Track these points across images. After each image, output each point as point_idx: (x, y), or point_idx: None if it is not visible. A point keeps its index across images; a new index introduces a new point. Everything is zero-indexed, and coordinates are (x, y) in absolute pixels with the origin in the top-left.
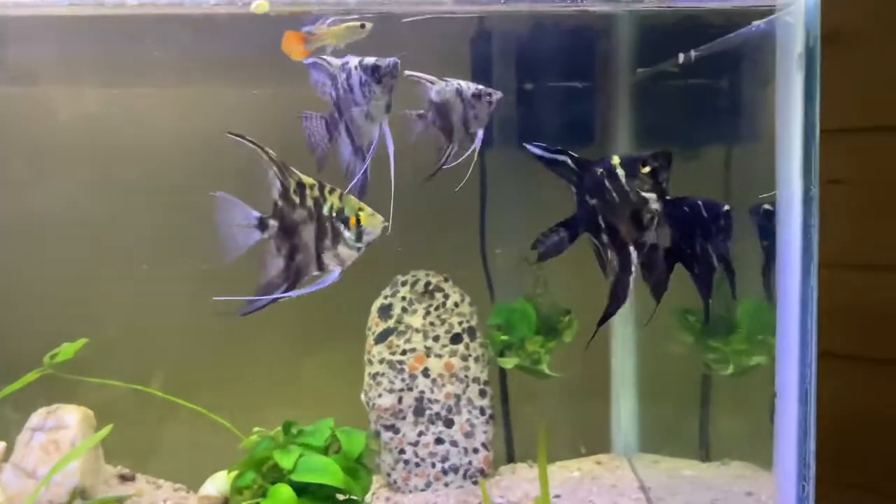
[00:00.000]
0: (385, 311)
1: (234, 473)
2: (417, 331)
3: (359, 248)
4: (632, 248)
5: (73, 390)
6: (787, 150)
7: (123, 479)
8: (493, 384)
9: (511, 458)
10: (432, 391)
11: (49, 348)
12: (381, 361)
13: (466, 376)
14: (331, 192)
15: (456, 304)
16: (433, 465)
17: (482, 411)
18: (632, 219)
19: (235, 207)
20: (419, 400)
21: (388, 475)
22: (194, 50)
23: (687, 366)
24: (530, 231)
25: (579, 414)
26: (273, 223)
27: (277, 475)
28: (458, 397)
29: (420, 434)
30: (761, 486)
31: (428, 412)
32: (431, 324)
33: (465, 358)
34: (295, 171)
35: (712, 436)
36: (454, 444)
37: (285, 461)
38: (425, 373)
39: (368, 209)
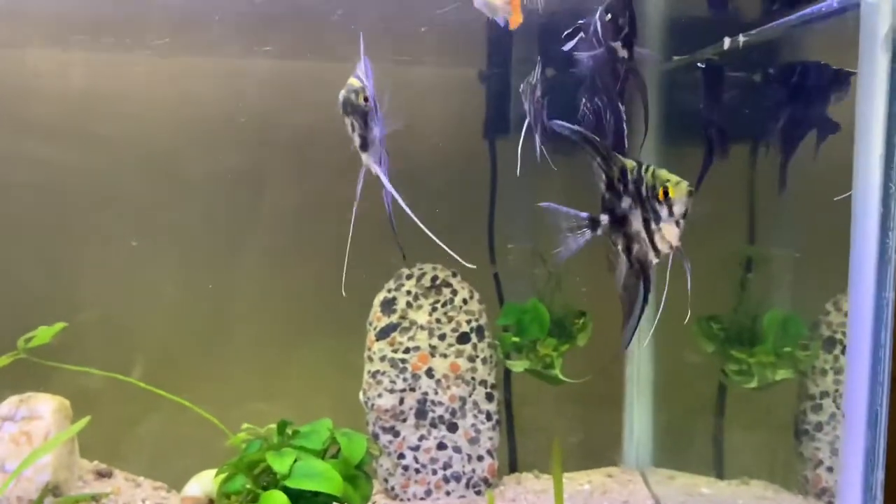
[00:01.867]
0: (388, 306)
1: (222, 476)
2: (422, 328)
3: (677, 223)
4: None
5: (48, 379)
6: (866, 140)
7: (100, 475)
8: (498, 388)
9: (514, 468)
10: (436, 393)
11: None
12: (383, 359)
13: (473, 378)
14: (646, 169)
15: (464, 301)
16: (434, 472)
17: (488, 416)
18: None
19: (561, 213)
20: (422, 402)
21: (386, 481)
22: None
23: (707, 377)
24: (544, 225)
25: (589, 423)
26: (604, 219)
27: (270, 480)
28: (463, 400)
29: (421, 438)
30: None
31: (430, 415)
32: (437, 321)
33: (472, 359)
34: (617, 156)
35: (731, 452)
36: (457, 450)
37: (280, 465)
38: (429, 373)
39: (674, 178)
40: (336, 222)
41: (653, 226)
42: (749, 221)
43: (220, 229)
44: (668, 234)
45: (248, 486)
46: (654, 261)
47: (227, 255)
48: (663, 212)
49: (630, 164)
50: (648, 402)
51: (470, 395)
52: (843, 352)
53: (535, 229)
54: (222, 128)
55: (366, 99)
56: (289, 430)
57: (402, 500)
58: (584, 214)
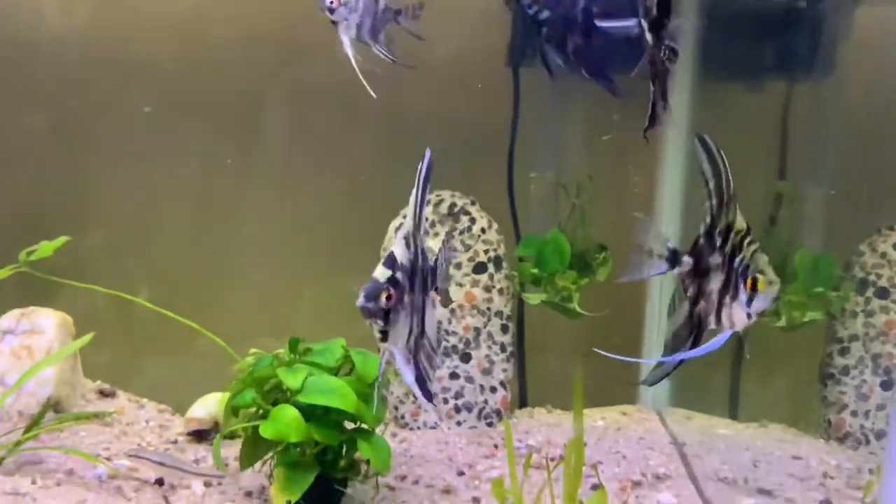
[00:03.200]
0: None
1: (230, 393)
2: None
3: (749, 315)
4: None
5: (54, 299)
6: None
7: (103, 395)
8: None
9: (523, 403)
10: (450, 322)
11: None
12: None
13: (489, 309)
14: (749, 243)
15: (483, 231)
16: (445, 402)
17: (503, 348)
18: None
19: (653, 232)
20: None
21: (396, 409)
22: None
23: None
24: (567, 153)
25: (605, 360)
26: (687, 260)
27: (280, 396)
28: (477, 331)
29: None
30: (808, 452)
31: (444, 344)
32: (454, 249)
33: (488, 289)
34: (734, 208)
35: (750, 395)
36: (470, 380)
37: (292, 380)
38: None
39: (770, 273)
40: (352, 149)
41: (727, 299)
42: (780, 155)
43: (232, 155)
44: (737, 318)
45: (257, 401)
46: (712, 327)
47: (237, 184)
48: (742, 296)
49: (740, 225)
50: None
51: (485, 326)
52: (875, 294)
53: (559, 158)
54: (237, 49)
55: None
56: (300, 348)
57: (412, 428)
58: (671, 245)
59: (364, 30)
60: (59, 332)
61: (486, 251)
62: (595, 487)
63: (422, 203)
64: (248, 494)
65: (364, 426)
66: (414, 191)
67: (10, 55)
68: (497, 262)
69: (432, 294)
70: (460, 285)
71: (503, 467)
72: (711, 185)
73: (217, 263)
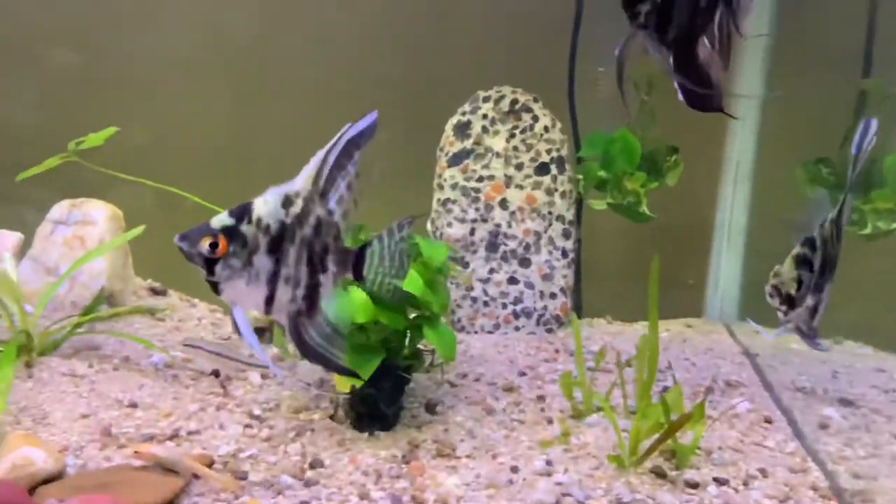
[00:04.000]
0: (462, 130)
1: None
2: (498, 155)
3: None
4: None
5: (104, 195)
6: None
7: (154, 292)
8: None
9: (578, 313)
10: (510, 225)
11: None
12: (454, 187)
13: (550, 213)
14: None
15: (546, 129)
16: (504, 307)
17: (564, 253)
18: None
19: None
20: (494, 234)
21: (453, 312)
22: None
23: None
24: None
25: (670, 270)
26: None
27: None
28: (538, 235)
29: (491, 272)
30: (891, 366)
31: (502, 248)
32: (515, 149)
33: (550, 192)
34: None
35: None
36: (529, 285)
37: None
38: (503, 204)
39: None
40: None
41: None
42: (865, 52)
43: (280, 49)
44: None
45: None
46: None
47: (284, 77)
48: None
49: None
50: (739, 253)
51: (545, 231)
52: None
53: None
54: None
55: None
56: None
57: (468, 332)
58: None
59: None
60: (111, 225)
61: (549, 151)
62: (666, 390)
63: (332, 165)
64: (308, 385)
65: (428, 314)
66: (324, 149)
67: None
68: (560, 163)
69: (333, 271)
70: (520, 187)
71: (566, 370)
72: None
73: (266, 160)
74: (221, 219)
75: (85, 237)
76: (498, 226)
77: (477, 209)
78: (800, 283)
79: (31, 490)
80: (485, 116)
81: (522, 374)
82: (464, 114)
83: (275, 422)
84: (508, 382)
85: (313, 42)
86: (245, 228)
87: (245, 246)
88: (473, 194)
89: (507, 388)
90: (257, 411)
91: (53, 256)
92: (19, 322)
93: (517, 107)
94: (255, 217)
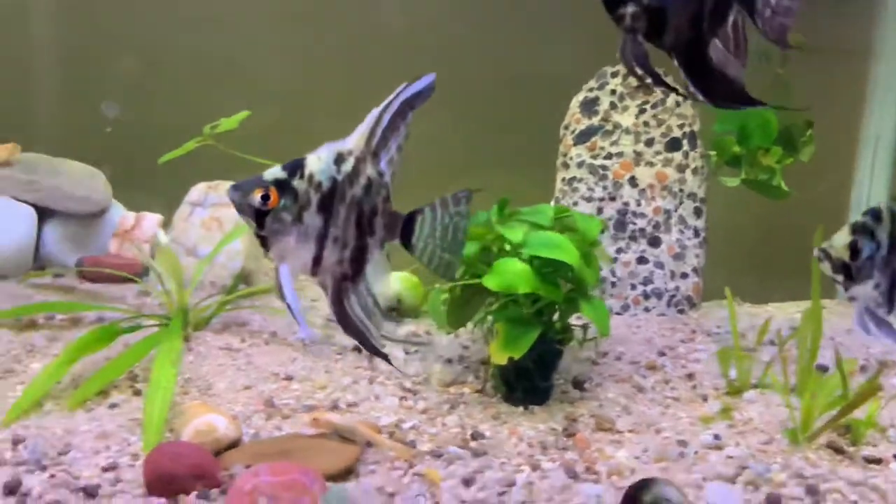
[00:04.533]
0: (589, 107)
1: None
2: (627, 132)
3: None
4: None
5: (235, 175)
6: None
7: None
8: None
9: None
10: (639, 204)
11: None
12: (581, 165)
13: (681, 190)
14: None
15: (677, 104)
16: (633, 287)
17: (696, 232)
18: None
19: None
20: (622, 213)
21: None
22: None
23: None
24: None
25: (803, 251)
26: None
27: (491, 256)
28: (668, 213)
29: (619, 251)
30: None
31: (631, 227)
32: (645, 124)
33: (681, 168)
34: None
35: None
36: (660, 265)
37: (512, 234)
38: (632, 182)
39: None
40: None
41: None
42: None
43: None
44: None
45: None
46: None
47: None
48: None
49: None
50: None
51: (676, 209)
52: None
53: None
54: None
55: None
56: (506, 211)
57: None
58: None
59: None
60: None
61: (681, 126)
62: (821, 368)
63: (385, 125)
64: (448, 361)
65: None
66: (379, 108)
67: None
68: (692, 138)
69: (380, 235)
70: (651, 164)
71: (706, 350)
72: None
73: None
74: (274, 172)
75: (221, 218)
76: (626, 204)
77: (605, 187)
78: (854, 251)
79: (216, 455)
80: (613, 92)
81: (662, 353)
82: (591, 90)
83: (427, 394)
84: (651, 361)
85: (423, 27)
86: (297, 183)
87: (296, 200)
88: (601, 172)
89: (650, 367)
90: (408, 384)
91: (192, 237)
92: (176, 298)
93: (647, 81)
94: (307, 172)
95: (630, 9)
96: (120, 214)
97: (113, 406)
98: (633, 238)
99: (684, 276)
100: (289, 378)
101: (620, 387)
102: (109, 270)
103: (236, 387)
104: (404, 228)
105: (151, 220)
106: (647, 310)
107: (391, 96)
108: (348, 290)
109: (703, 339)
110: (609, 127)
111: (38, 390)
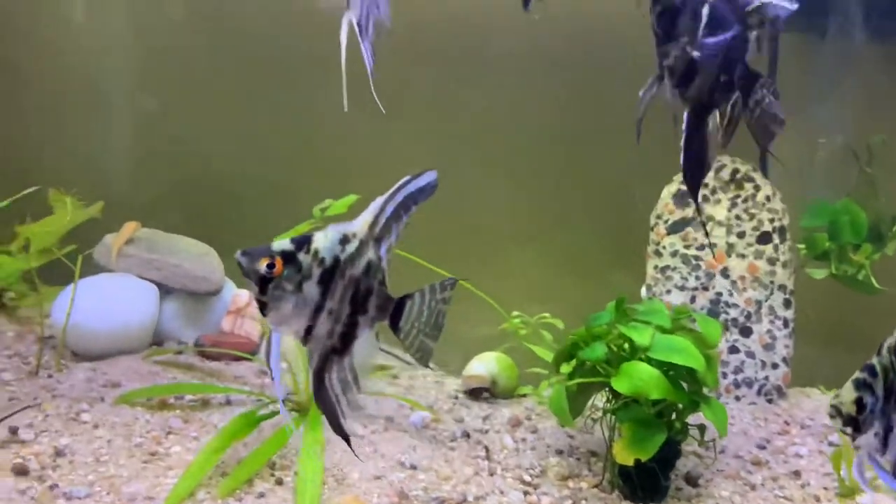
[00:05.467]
0: (682, 199)
1: (572, 343)
2: (720, 224)
3: None
4: None
5: None
6: None
7: (379, 350)
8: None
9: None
10: (731, 294)
11: None
12: (674, 254)
13: (772, 282)
14: None
15: (767, 199)
16: (724, 376)
17: (785, 323)
18: None
19: None
20: (714, 302)
21: None
22: None
23: None
24: (856, 117)
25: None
26: None
27: (613, 356)
28: (759, 304)
29: None
30: None
31: (723, 317)
32: (737, 217)
33: (772, 261)
34: None
35: None
36: (751, 355)
37: (640, 337)
38: (724, 273)
39: None
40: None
41: None
42: None
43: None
44: None
45: (606, 356)
46: None
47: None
48: None
49: None
50: None
51: (767, 300)
52: None
53: (845, 122)
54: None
55: None
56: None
57: None
58: None
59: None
60: None
61: (772, 220)
62: None
63: (389, 214)
64: (560, 452)
65: (700, 391)
66: (383, 198)
67: None
68: (782, 232)
69: (371, 315)
70: (743, 256)
71: (804, 444)
72: None
73: (482, 228)
74: (282, 244)
75: None
76: (719, 294)
77: (697, 277)
78: (860, 406)
79: None
80: (706, 185)
81: (762, 447)
82: (683, 182)
83: (547, 488)
84: (755, 456)
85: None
86: (302, 257)
87: (299, 272)
88: (694, 262)
89: (755, 462)
90: (527, 477)
91: None
92: (304, 385)
93: (738, 176)
94: (313, 248)
95: (675, 52)
96: (232, 292)
97: (261, 496)
98: (725, 327)
99: (775, 365)
100: (413, 467)
101: (732, 483)
102: (230, 351)
103: (368, 476)
104: (395, 310)
105: (244, 298)
106: (737, 398)
107: (395, 188)
108: (332, 362)
109: (798, 431)
110: (702, 219)
111: (193, 479)
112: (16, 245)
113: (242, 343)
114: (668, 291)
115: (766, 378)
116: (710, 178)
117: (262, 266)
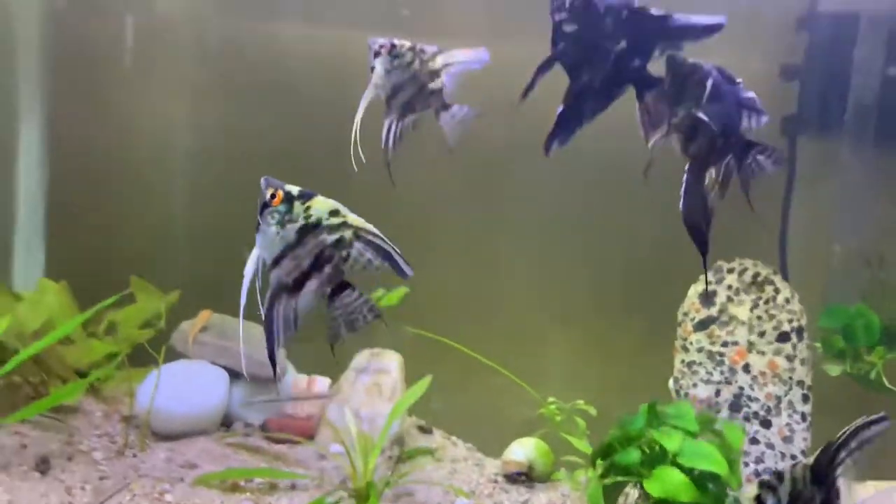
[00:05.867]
0: (708, 298)
1: (609, 445)
2: (742, 323)
3: None
4: None
5: (369, 337)
6: None
7: (422, 430)
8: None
9: None
10: (752, 388)
11: None
12: (700, 350)
13: (790, 378)
14: None
15: (787, 300)
16: (745, 465)
17: (803, 417)
18: None
19: None
20: (737, 396)
21: None
22: None
23: None
24: (872, 225)
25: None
26: None
27: (645, 457)
28: (778, 399)
29: None
30: None
31: (745, 410)
32: (759, 318)
33: (790, 358)
34: None
35: None
36: (770, 446)
37: (671, 443)
38: (746, 368)
39: None
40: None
41: None
42: None
43: (531, 217)
44: None
45: (639, 460)
46: None
47: (539, 241)
48: None
49: None
50: None
51: (786, 395)
52: None
53: (864, 229)
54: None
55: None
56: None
57: None
58: None
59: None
60: (400, 374)
61: (791, 321)
62: None
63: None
64: None
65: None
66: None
67: None
68: (800, 332)
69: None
70: (762, 353)
71: None
72: None
73: (509, 311)
74: (291, 187)
75: (381, 385)
76: (741, 388)
77: (721, 372)
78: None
79: None
80: (729, 287)
81: None
82: (709, 283)
83: None
84: None
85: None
86: (297, 205)
87: (289, 212)
88: (718, 358)
89: None
90: None
91: (356, 402)
92: (362, 471)
93: (759, 279)
94: (309, 203)
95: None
96: (293, 376)
97: None
98: (746, 419)
99: (793, 457)
100: None
101: None
102: (294, 437)
103: None
104: (336, 287)
105: (323, 383)
106: None
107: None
108: (284, 298)
109: None
110: (725, 318)
111: None
112: (101, 329)
113: (304, 426)
114: (695, 385)
115: None
116: (733, 281)
117: (268, 194)
